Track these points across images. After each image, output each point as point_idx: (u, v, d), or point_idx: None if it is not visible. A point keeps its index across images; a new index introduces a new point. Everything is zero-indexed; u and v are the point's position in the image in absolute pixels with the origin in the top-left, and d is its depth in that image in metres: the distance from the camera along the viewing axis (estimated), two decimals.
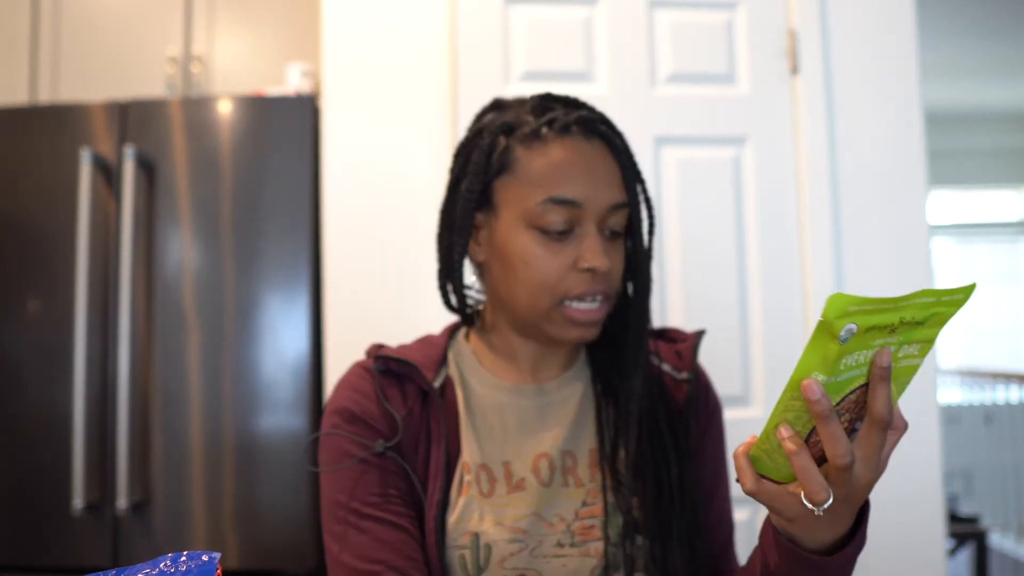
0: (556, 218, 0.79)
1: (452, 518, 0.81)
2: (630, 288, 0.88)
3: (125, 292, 1.81)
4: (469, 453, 0.84)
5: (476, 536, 0.80)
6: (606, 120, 0.85)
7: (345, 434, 0.82)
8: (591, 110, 0.86)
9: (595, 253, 0.79)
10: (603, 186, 0.81)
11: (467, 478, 0.83)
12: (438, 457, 0.83)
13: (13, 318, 1.88)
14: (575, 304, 0.80)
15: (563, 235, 0.80)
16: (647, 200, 0.86)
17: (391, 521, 0.80)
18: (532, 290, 0.80)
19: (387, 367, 0.86)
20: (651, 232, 0.86)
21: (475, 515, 0.81)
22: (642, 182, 0.85)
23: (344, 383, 0.88)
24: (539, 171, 0.80)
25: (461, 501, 0.82)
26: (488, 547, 0.80)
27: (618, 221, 0.82)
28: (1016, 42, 4.45)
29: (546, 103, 0.86)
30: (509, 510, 0.82)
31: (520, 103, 0.87)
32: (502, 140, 0.83)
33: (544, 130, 0.82)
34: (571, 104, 0.86)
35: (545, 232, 0.80)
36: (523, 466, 0.84)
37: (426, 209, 1.81)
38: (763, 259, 1.84)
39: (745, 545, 0.90)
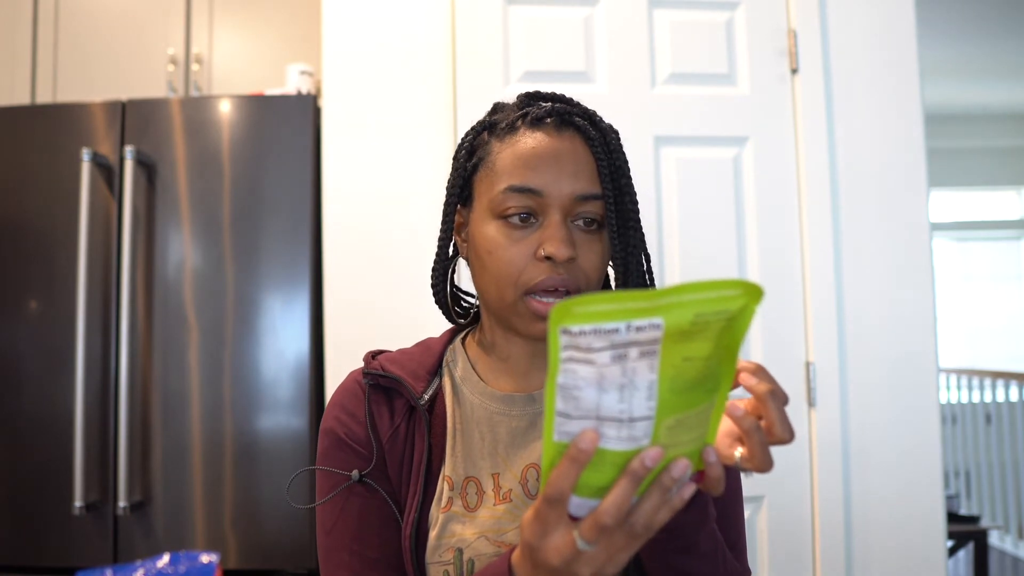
0: (516, 205, 0.79)
1: (432, 534, 0.82)
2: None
3: (125, 292, 1.81)
4: (452, 467, 0.84)
5: (459, 551, 0.81)
6: (587, 114, 0.84)
7: (329, 468, 0.86)
8: (572, 104, 0.85)
9: (553, 241, 0.77)
10: (568, 176, 0.79)
11: (448, 494, 0.83)
12: (417, 475, 0.83)
13: (13, 318, 1.88)
14: (539, 297, 0.79)
15: (526, 224, 0.79)
16: (629, 193, 0.83)
17: (361, 553, 0.84)
18: (496, 280, 0.80)
19: (376, 382, 0.87)
20: (631, 226, 0.83)
21: (457, 530, 0.81)
22: (624, 175, 0.83)
23: (337, 398, 0.90)
24: (504, 161, 0.81)
25: (441, 517, 0.82)
26: (471, 561, 0.80)
27: (592, 212, 0.80)
28: (1016, 42, 4.45)
29: (530, 99, 0.86)
30: (494, 523, 0.81)
31: (512, 103, 0.88)
32: (484, 136, 0.85)
33: (518, 123, 0.83)
34: (553, 99, 0.86)
35: (507, 221, 0.80)
36: (512, 477, 0.84)
37: (426, 208, 1.81)
38: (763, 259, 1.84)
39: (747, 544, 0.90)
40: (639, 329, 0.51)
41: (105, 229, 1.87)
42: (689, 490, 0.58)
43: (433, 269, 0.90)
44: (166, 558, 0.50)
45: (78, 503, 1.77)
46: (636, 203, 0.84)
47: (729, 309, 0.52)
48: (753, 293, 0.52)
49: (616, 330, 0.50)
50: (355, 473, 0.84)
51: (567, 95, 0.87)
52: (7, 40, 2.30)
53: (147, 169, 1.88)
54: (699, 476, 0.60)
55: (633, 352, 0.51)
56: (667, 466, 0.56)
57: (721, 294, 0.51)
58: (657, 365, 0.52)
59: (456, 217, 0.88)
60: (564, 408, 0.53)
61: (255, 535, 1.81)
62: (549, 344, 0.51)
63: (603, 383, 0.52)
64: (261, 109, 1.90)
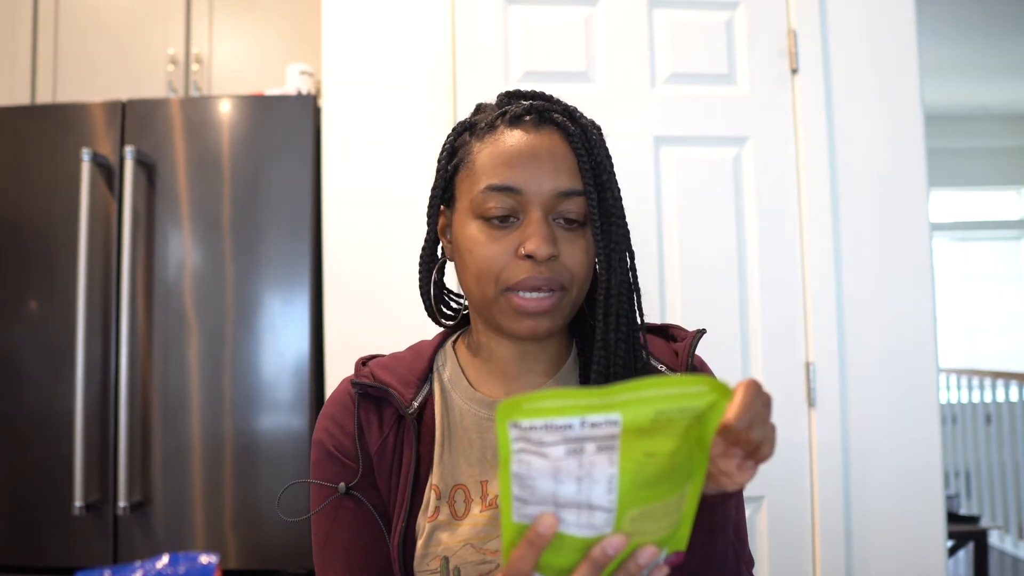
0: (496, 205, 0.78)
1: (419, 543, 0.81)
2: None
3: (125, 292, 1.81)
4: (440, 475, 0.83)
5: (446, 559, 0.80)
6: (567, 110, 0.83)
7: (317, 481, 0.87)
8: (551, 101, 0.84)
9: (534, 239, 0.76)
10: (547, 173, 0.78)
11: (434, 503, 0.82)
12: (405, 484, 0.83)
13: (13, 318, 1.88)
14: (521, 293, 0.78)
15: (506, 223, 0.79)
16: (612, 189, 0.81)
17: (353, 563, 0.84)
18: (478, 278, 0.80)
19: (366, 391, 0.86)
20: (614, 222, 0.80)
21: (443, 538, 0.81)
22: (606, 171, 0.81)
23: (327, 409, 0.89)
24: (484, 160, 0.81)
25: (428, 527, 0.82)
26: (457, 569, 0.80)
27: (573, 209, 0.79)
28: (1016, 42, 4.45)
29: (510, 97, 0.86)
30: (478, 530, 0.81)
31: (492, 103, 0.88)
32: (465, 136, 0.85)
33: (497, 122, 0.82)
34: (533, 97, 0.85)
35: (487, 220, 0.79)
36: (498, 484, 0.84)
37: (425, 208, 1.80)
38: (763, 259, 1.84)
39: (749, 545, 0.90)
40: (594, 425, 0.50)
41: (105, 229, 1.87)
42: (661, 573, 0.57)
43: (419, 271, 0.89)
44: (165, 559, 0.50)
45: (78, 503, 1.77)
46: (619, 199, 0.82)
47: (695, 407, 0.51)
48: (722, 390, 0.51)
49: (569, 426, 0.50)
50: (341, 486, 0.84)
51: (549, 93, 0.86)
52: (7, 40, 2.30)
53: (147, 169, 1.88)
54: (677, 556, 0.59)
55: (590, 447, 0.50)
56: (633, 553, 0.55)
57: (684, 391, 0.51)
58: (617, 459, 0.51)
59: (440, 219, 0.88)
60: (520, 494, 0.52)
61: (255, 535, 1.81)
62: (498, 436, 0.50)
63: (558, 475, 0.51)
64: (261, 109, 1.90)
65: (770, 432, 0.59)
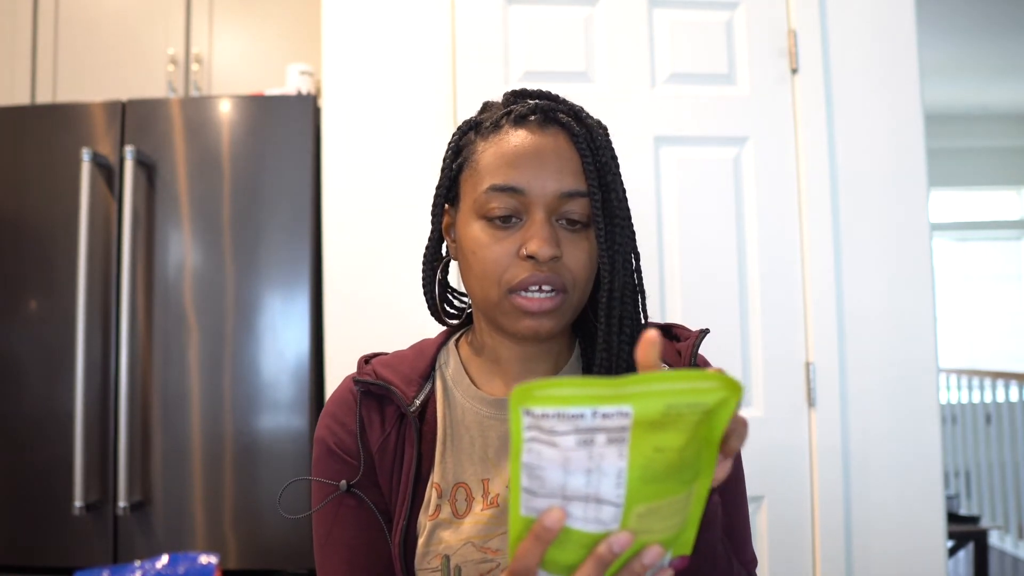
0: (499, 205, 0.78)
1: (420, 542, 0.82)
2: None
3: (125, 292, 1.81)
4: (441, 474, 0.83)
5: (447, 558, 0.80)
6: (573, 110, 0.83)
7: (319, 479, 0.87)
8: (557, 100, 0.84)
9: (536, 240, 0.76)
10: (551, 173, 0.78)
11: (435, 501, 0.83)
12: (406, 483, 0.83)
13: (13, 318, 1.88)
14: (523, 293, 0.78)
15: (508, 223, 0.79)
16: (616, 190, 0.80)
17: (354, 562, 0.84)
18: (481, 280, 0.80)
19: (368, 389, 0.86)
20: (618, 223, 0.80)
21: (444, 537, 0.81)
22: (611, 172, 0.81)
23: (329, 407, 0.89)
24: (487, 160, 0.81)
25: (428, 525, 0.82)
26: (458, 568, 0.80)
27: (577, 211, 0.79)
28: (1016, 42, 4.45)
29: (516, 96, 0.86)
30: (480, 529, 0.81)
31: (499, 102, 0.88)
32: (470, 135, 0.85)
33: (502, 121, 0.82)
34: (539, 96, 0.85)
35: (490, 220, 0.79)
36: (501, 483, 0.83)
37: (425, 209, 1.79)
38: (763, 259, 1.84)
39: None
40: (606, 416, 0.49)
41: (105, 229, 1.87)
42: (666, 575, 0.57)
43: (422, 269, 0.90)
44: (165, 559, 0.50)
45: (78, 503, 1.77)
46: (624, 200, 0.82)
47: (705, 402, 0.51)
48: (732, 387, 0.51)
49: (581, 415, 0.49)
50: (343, 483, 0.84)
51: (555, 92, 0.86)
52: (7, 40, 2.30)
53: (147, 169, 1.88)
54: (681, 561, 0.58)
55: (600, 438, 0.50)
56: (638, 552, 0.55)
57: (695, 386, 0.50)
58: (627, 452, 0.50)
59: (445, 217, 0.88)
60: (529, 485, 0.52)
61: (255, 535, 1.81)
62: (511, 423, 0.50)
63: (568, 465, 0.51)
64: (261, 109, 1.90)
65: (739, 426, 0.58)
